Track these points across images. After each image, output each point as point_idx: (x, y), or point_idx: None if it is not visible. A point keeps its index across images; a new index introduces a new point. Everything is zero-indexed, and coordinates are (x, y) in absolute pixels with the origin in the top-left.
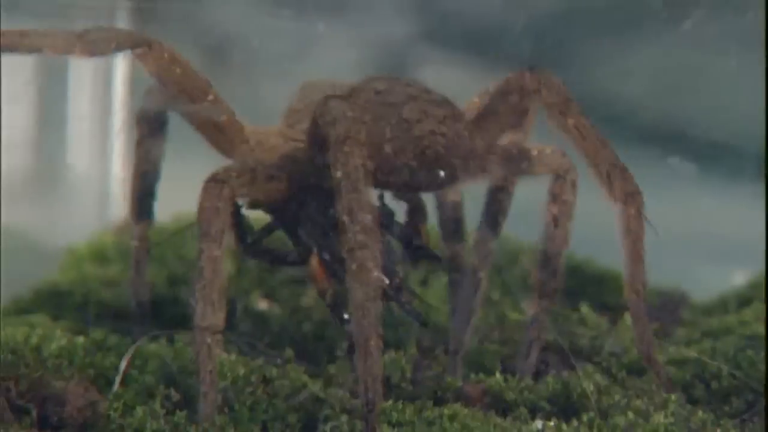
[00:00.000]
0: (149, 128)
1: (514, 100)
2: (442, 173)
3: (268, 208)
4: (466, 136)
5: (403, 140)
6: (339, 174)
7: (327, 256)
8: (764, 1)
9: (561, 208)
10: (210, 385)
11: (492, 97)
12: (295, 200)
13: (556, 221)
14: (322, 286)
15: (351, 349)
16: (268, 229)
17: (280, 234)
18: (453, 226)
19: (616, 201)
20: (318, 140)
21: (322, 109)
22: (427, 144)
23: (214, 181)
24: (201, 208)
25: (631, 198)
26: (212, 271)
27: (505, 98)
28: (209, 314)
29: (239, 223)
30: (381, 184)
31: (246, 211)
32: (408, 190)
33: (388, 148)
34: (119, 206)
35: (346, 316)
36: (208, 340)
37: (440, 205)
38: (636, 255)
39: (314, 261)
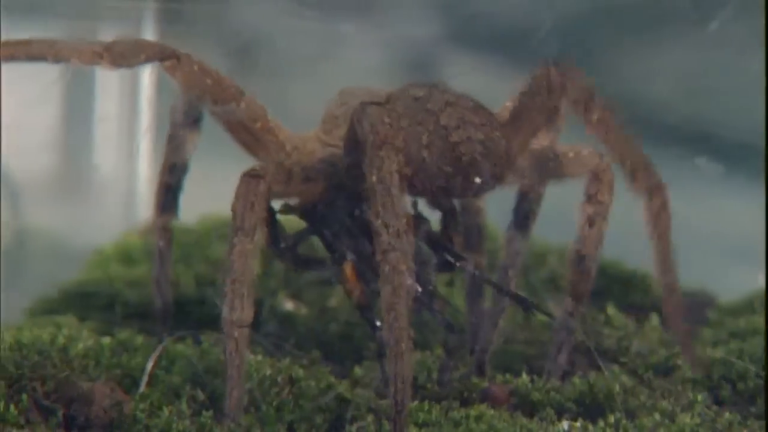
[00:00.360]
0: (183, 121)
1: (543, 99)
2: (478, 180)
3: (303, 213)
4: (503, 143)
5: (440, 146)
6: (374, 178)
7: (360, 262)
8: (764, 1)
9: (596, 208)
10: (237, 381)
11: (520, 98)
12: (330, 205)
13: (590, 222)
14: (353, 291)
15: (381, 353)
16: (302, 235)
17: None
18: (475, 231)
19: (639, 194)
20: (354, 146)
21: (360, 114)
22: (464, 151)
23: (251, 175)
24: (236, 202)
25: (656, 191)
26: (243, 265)
27: (533, 98)
28: (238, 308)
29: (273, 228)
30: (417, 191)
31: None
32: (444, 197)
33: (425, 154)
34: (146, 207)
35: (378, 323)
36: (236, 334)
37: (463, 211)
38: (664, 247)
39: (347, 267)
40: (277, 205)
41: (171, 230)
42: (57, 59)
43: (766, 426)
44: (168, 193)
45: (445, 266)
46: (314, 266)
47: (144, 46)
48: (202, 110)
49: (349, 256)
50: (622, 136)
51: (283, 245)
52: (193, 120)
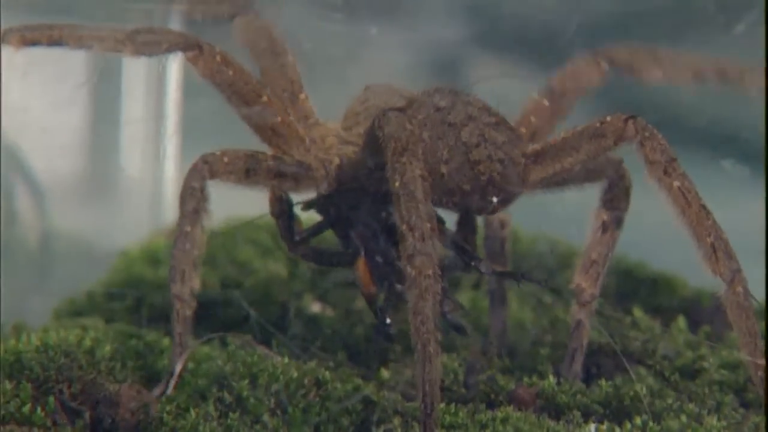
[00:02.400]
0: None
1: (606, 144)
2: (495, 199)
3: (318, 207)
4: (522, 161)
5: (459, 163)
6: (397, 184)
7: (375, 260)
8: (764, 1)
9: (611, 214)
10: (178, 348)
11: (578, 133)
12: (346, 202)
13: (604, 227)
14: (367, 289)
15: (383, 334)
16: (316, 229)
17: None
18: (498, 244)
19: (721, 279)
20: (374, 151)
21: (381, 120)
22: (483, 170)
23: (203, 160)
24: (182, 185)
25: (737, 276)
26: (183, 246)
27: (595, 139)
28: (178, 282)
29: (289, 221)
30: (432, 203)
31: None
32: (458, 212)
33: (443, 170)
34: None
35: (388, 321)
36: (178, 306)
37: (488, 224)
38: (752, 331)
39: (361, 264)
40: (294, 198)
41: None
42: (79, 45)
43: (766, 426)
44: None
45: (459, 266)
46: (327, 260)
47: (167, 35)
48: None
49: (363, 253)
50: (702, 210)
51: (297, 238)
52: None
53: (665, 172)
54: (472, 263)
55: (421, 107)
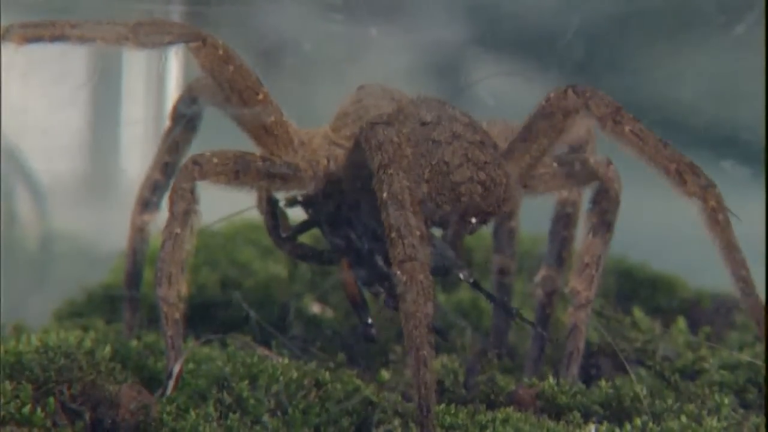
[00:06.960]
0: (184, 123)
1: (558, 121)
2: (474, 220)
3: (305, 205)
4: (505, 181)
5: (440, 183)
6: (385, 195)
7: (358, 261)
8: (764, 1)
9: (600, 217)
10: (171, 354)
11: (531, 119)
12: (332, 202)
13: (594, 230)
14: (350, 290)
15: (365, 335)
16: (303, 226)
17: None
18: (506, 234)
19: (692, 197)
20: (360, 161)
21: (368, 133)
22: (464, 191)
23: (193, 161)
24: (172, 187)
25: (709, 191)
26: (171, 247)
27: (547, 119)
28: (164, 286)
29: (274, 218)
30: None
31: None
32: (438, 228)
33: (424, 189)
34: None
35: (369, 321)
36: (165, 309)
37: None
38: (731, 244)
39: (345, 264)
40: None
41: (148, 231)
42: (81, 41)
43: (766, 426)
44: (155, 192)
45: (441, 271)
46: (312, 258)
47: (170, 27)
48: (202, 112)
49: (346, 252)
50: (658, 143)
51: (283, 235)
52: (193, 119)
53: (614, 121)
54: (454, 270)
55: (406, 120)
